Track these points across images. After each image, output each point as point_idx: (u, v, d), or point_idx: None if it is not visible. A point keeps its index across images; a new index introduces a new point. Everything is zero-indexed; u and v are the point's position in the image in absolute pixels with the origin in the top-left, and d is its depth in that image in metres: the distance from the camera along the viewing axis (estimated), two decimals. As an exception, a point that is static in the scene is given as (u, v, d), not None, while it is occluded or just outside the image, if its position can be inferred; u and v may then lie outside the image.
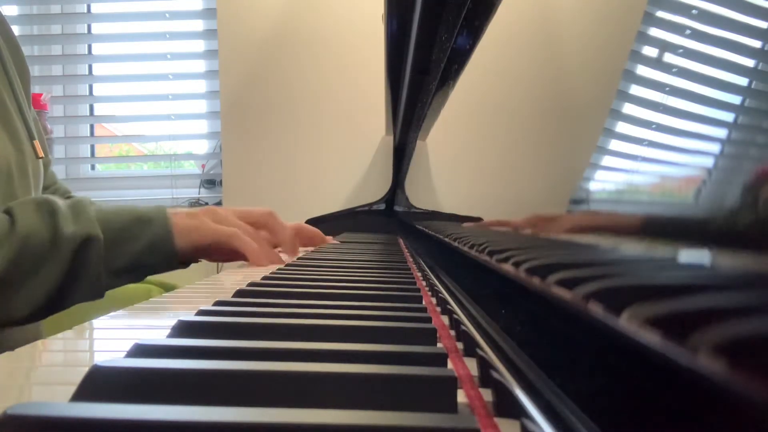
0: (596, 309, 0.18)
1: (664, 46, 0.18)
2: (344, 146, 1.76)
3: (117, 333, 0.35)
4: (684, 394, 0.15)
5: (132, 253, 0.59)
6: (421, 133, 1.00)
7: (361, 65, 1.71)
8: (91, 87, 2.02)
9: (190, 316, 0.29)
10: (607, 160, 0.21)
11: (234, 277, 0.56)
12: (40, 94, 1.81)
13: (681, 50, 0.17)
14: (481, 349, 0.26)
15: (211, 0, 1.84)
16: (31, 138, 0.70)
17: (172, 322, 0.28)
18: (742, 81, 0.14)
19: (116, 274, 0.58)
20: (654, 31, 0.20)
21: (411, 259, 0.75)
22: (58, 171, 1.93)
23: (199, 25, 1.93)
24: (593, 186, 0.22)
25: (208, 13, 1.87)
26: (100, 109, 2.06)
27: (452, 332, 0.33)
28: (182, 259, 0.63)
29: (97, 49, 2.01)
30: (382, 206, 1.59)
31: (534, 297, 0.25)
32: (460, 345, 0.30)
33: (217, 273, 0.77)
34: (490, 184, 0.43)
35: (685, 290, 0.14)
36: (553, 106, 0.30)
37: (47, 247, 0.53)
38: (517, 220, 0.31)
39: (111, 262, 0.57)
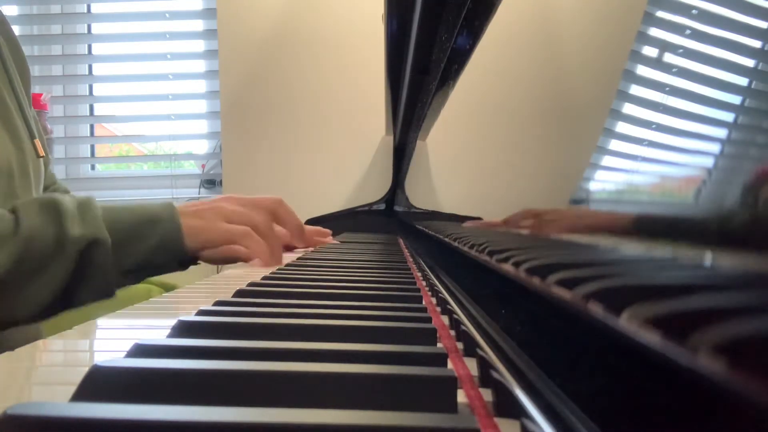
0: (596, 309, 0.18)
1: (664, 46, 0.18)
2: (344, 146, 1.76)
3: (117, 333, 0.35)
4: (684, 394, 0.15)
5: (141, 252, 0.59)
6: (421, 133, 1.00)
7: (361, 65, 1.71)
8: (91, 87, 2.02)
9: (190, 316, 0.29)
10: (607, 160, 0.21)
11: (234, 277, 0.56)
12: (40, 94, 1.81)
13: (681, 50, 0.17)
14: (481, 349, 0.26)
15: (211, 0, 1.84)
16: (32, 137, 0.70)
17: (172, 322, 0.28)
18: (742, 81, 0.14)
19: (125, 274, 0.58)
20: (654, 31, 0.20)
21: (411, 259, 0.75)
22: (58, 171, 1.93)
23: (199, 25, 1.93)
24: (593, 186, 0.22)
25: (208, 13, 1.87)
26: (100, 109, 2.06)
27: (452, 332, 0.33)
28: (190, 260, 0.63)
29: (97, 49, 2.01)
30: (382, 206, 1.59)
31: (534, 297, 0.25)
32: (460, 345, 0.30)
33: (217, 273, 0.77)
34: (490, 184, 0.43)
35: (685, 290, 0.14)
36: (553, 106, 0.30)
37: (52, 247, 0.53)
38: (509, 216, 0.31)
39: (120, 262, 0.57)
